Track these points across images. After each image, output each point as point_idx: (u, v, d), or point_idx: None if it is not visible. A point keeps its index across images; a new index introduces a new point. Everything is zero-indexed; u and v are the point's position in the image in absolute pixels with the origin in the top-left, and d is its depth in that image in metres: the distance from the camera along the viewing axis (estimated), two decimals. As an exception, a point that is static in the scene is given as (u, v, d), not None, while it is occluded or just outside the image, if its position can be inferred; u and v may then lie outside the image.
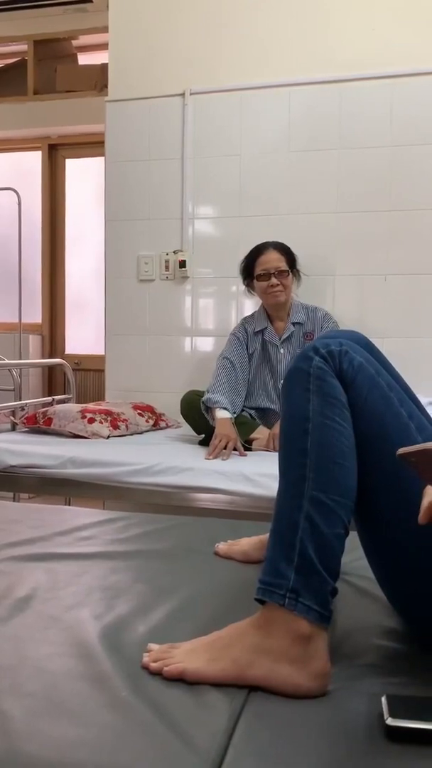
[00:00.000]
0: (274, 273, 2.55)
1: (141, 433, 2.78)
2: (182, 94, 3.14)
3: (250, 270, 2.64)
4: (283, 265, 2.57)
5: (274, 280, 2.55)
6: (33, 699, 0.81)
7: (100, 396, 3.85)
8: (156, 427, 2.89)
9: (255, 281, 2.62)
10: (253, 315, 2.74)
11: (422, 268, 2.90)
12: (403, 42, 2.87)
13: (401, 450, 0.73)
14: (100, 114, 3.31)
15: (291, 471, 0.92)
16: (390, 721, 0.74)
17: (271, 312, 2.67)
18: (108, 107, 3.26)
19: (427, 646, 0.96)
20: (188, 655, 0.88)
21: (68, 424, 2.61)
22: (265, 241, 2.66)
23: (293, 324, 2.63)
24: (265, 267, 2.57)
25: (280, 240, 2.68)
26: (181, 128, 3.15)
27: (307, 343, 2.55)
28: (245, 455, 2.32)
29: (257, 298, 2.74)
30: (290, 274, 2.59)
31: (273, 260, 2.57)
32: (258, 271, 2.59)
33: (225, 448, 2.29)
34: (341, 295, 3.00)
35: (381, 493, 0.94)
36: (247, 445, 2.41)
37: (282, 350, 2.62)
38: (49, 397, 3.20)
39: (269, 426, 2.52)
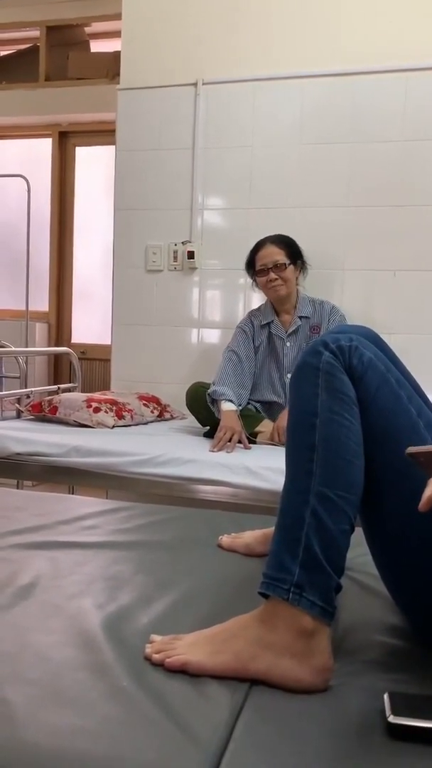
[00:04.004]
0: (271, 267, 2.55)
1: (146, 423, 2.78)
2: (194, 84, 3.12)
3: (252, 266, 2.64)
4: (281, 258, 2.56)
5: (272, 275, 2.55)
6: (35, 687, 0.81)
7: (105, 386, 3.85)
8: (161, 418, 2.89)
9: (256, 277, 2.62)
10: (259, 308, 2.73)
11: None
12: (418, 35, 2.84)
13: (410, 449, 0.72)
14: (111, 102, 3.30)
15: (297, 466, 0.92)
16: (392, 719, 0.74)
17: (276, 305, 2.66)
18: (120, 95, 3.24)
19: (430, 643, 0.95)
20: (191, 647, 0.88)
21: (73, 413, 2.61)
22: (270, 234, 2.64)
23: (300, 317, 2.62)
24: (263, 262, 2.57)
25: (289, 233, 2.66)
26: (193, 118, 3.14)
27: (314, 337, 2.55)
28: (250, 448, 2.32)
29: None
30: (289, 266, 2.57)
31: (270, 255, 2.56)
32: (257, 266, 2.60)
33: (230, 440, 2.29)
34: (350, 290, 2.99)
35: (387, 490, 0.94)
36: (252, 438, 2.41)
37: (288, 344, 2.62)
38: (55, 386, 3.20)
39: (274, 419, 2.52)
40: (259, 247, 2.61)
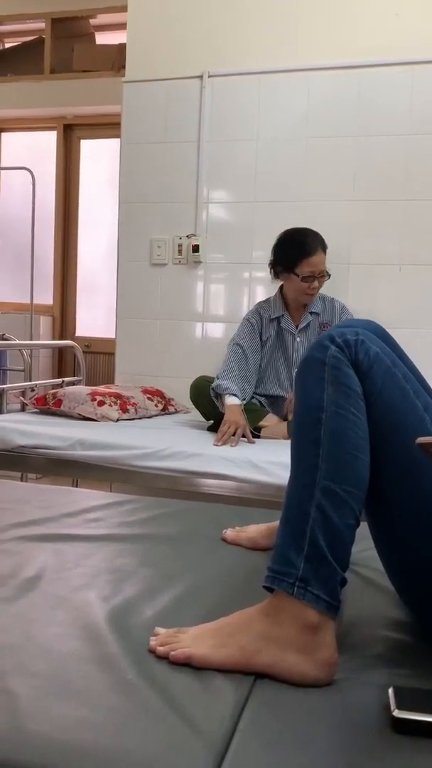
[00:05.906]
0: (318, 276, 2.50)
1: (150, 417, 2.78)
2: (200, 77, 3.11)
3: (292, 264, 2.50)
4: (326, 269, 2.52)
5: (316, 283, 2.51)
6: (39, 679, 0.81)
7: (109, 379, 3.85)
8: (165, 411, 2.89)
9: (296, 278, 2.50)
10: (268, 300, 2.71)
11: (438, 259, 2.87)
12: (424, 28, 2.82)
13: (420, 439, 0.72)
14: (116, 95, 3.29)
15: (303, 460, 0.92)
16: (397, 713, 0.74)
17: (293, 303, 2.63)
18: (125, 88, 3.23)
19: (434, 638, 0.95)
20: (195, 640, 0.88)
21: (78, 406, 2.62)
22: (272, 230, 2.59)
23: (310, 313, 2.61)
24: (314, 269, 2.47)
25: (293, 227, 2.64)
26: (199, 111, 3.12)
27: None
28: (254, 442, 2.31)
29: (273, 284, 2.70)
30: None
31: (321, 263, 2.49)
32: (305, 272, 2.47)
33: (234, 434, 2.28)
34: (355, 284, 2.98)
35: (393, 485, 0.93)
36: (256, 433, 2.41)
37: (298, 339, 2.60)
38: (59, 379, 3.20)
39: (279, 414, 2.51)
40: (311, 251, 2.47)
